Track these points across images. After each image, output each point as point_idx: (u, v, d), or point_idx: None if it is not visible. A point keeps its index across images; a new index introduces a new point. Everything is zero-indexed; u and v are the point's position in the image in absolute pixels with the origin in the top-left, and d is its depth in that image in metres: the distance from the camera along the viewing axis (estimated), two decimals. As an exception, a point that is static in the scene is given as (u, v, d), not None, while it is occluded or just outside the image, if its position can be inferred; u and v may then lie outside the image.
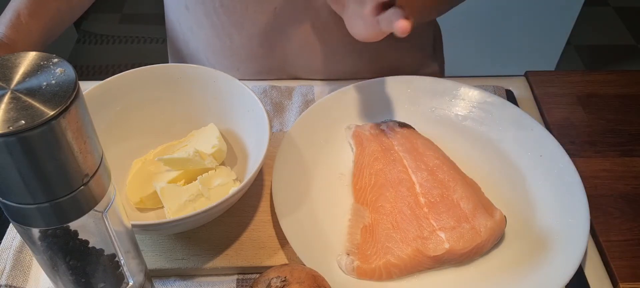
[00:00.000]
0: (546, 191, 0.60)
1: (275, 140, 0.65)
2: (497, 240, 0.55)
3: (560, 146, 0.62)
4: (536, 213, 0.58)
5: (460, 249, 0.52)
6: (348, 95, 0.70)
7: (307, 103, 0.72)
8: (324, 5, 0.71)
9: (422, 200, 0.57)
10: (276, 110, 0.72)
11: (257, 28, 0.74)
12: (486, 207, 0.56)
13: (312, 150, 0.64)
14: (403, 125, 0.66)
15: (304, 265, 0.52)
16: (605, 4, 2.44)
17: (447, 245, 0.53)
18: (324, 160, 0.64)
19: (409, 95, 0.70)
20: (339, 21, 0.74)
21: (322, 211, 0.59)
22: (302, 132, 0.65)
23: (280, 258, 0.55)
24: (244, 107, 0.60)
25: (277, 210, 0.56)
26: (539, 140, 0.64)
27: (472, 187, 0.59)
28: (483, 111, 0.68)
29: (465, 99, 0.70)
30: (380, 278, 0.53)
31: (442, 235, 0.54)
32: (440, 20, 0.89)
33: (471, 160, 0.64)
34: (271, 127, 0.56)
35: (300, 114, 0.71)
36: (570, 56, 2.19)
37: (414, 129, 0.66)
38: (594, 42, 2.27)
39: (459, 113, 0.69)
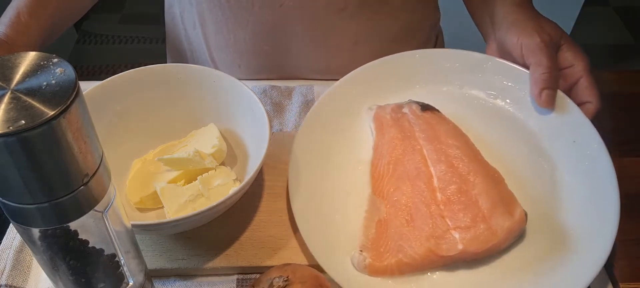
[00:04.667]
0: (575, 182, 0.56)
1: (275, 140, 0.65)
2: (515, 239, 0.53)
3: (597, 133, 0.57)
4: (561, 207, 0.55)
5: (474, 250, 0.51)
6: (368, 74, 0.66)
7: (307, 103, 0.72)
8: (329, 2, 0.72)
9: (438, 196, 0.55)
10: (276, 110, 0.72)
11: (261, 24, 0.74)
12: (506, 203, 0.54)
13: (331, 135, 0.62)
14: (426, 108, 0.63)
15: (307, 262, 0.52)
16: (605, 4, 2.44)
17: (460, 246, 0.51)
18: (344, 145, 0.62)
19: (434, 70, 0.66)
20: (342, 19, 0.74)
21: (339, 202, 0.58)
22: (322, 115, 0.63)
23: (280, 258, 0.55)
24: (244, 107, 0.60)
25: (291, 199, 0.55)
26: (574, 124, 0.59)
27: (493, 180, 0.56)
28: (515, 89, 0.63)
29: (498, 75, 0.64)
30: (392, 275, 0.52)
31: (456, 235, 0.52)
32: (442, 20, 0.89)
33: (497, 144, 0.61)
34: (271, 127, 0.56)
35: (300, 114, 0.71)
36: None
37: (438, 111, 0.63)
38: (594, 42, 2.27)
39: (489, 91, 0.65)
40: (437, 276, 0.53)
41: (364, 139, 0.63)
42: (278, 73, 0.80)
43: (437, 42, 0.89)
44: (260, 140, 0.55)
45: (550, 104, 0.59)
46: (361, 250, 0.53)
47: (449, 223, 0.53)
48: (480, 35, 0.74)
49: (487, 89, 0.65)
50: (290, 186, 0.57)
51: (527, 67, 0.62)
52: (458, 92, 0.66)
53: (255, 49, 0.78)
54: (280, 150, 0.64)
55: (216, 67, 0.82)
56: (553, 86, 0.59)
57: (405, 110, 0.63)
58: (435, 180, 0.56)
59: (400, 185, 0.57)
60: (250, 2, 0.72)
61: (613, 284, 0.55)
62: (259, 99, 0.58)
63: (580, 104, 0.60)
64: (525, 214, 0.53)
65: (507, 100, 0.64)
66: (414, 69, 0.67)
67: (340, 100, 0.65)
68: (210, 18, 0.77)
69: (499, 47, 0.66)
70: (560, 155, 0.59)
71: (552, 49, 0.61)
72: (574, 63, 0.61)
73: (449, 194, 0.55)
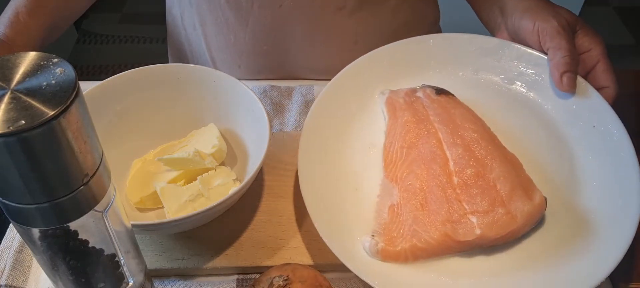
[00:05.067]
0: (595, 167, 0.54)
1: (275, 140, 0.65)
2: (534, 224, 0.51)
3: (617, 118, 0.55)
4: (581, 193, 0.53)
5: (492, 235, 0.49)
6: (381, 57, 0.64)
7: (307, 103, 0.72)
8: (328, 1, 0.72)
9: (455, 179, 0.53)
10: (276, 110, 0.72)
11: (261, 24, 0.75)
12: (525, 188, 0.52)
13: (342, 118, 0.61)
14: (441, 91, 0.61)
15: (307, 262, 0.52)
16: (605, 4, 2.44)
17: (478, 231, 0.49)
18: (356, 129, 0.61)
19: (449, 55, 0.64)
20: (342, 18, 0.74)
21: (350, 186, 0.56)
22: (333, 98, 0.61)
23: (280, 258, 0.55)
24: (244, 107, 0.60)
25: (300, 180, 0.53)
26: (594, 109, 0.57)
27: (512, 164, 0.54)
28: (533, 75, 0.61)
29: (514, 61, 0.63)
30: (405, 261, 0.50)
31: (474, 219, 0.50)
32: (441, 19, 0.89)
33: (514, 130, 0.59)
34: (271, 127, 0.56)
35: (300, 114, 0.71)
36: (570, 56, 2.19)
37: (453, 95, 0.61)
38: (594, 42, 2.27)
39: (506, 76, 0.63)
40: (453, 262, 0.51)
41: (376, 122, 0.61)
42: (278, 73, 0.80)
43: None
44: (260, 140, 0.55)
45: (571, 88, 0.58)
46: (373, 235, 0.51)
47: (466, 207, 0.51)
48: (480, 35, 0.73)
49: (503, 74, 0.63)
50: (300, 168, 0.55)
51: (544, 53, 0.61)
52: (473, 77, 0.64)
53: (255, 49, 0.78)
54: (280, 150, 0.64)
55: (216, 68, 0.82)
56: (574, 69, 0.58)
57: (419, 94, 0.61)
58: (451, 164, 0.54)
59: (415, 168, 0.55)
60: (250, 3, 0.72)
61: (613, 284, 0.55)
62: (259, 99, 0.58)
63: (598, 89, 0.58)
64: (545, 199, 0.51)
65: (524, 86, 0.62)
66: (427, 53, 0.65)
67: (352, 83, 0.63)
68: (210, 19, 0.77)
69: (512, 35, 0.65)
70: (579, 140, 0.57)
71: (570, 33, 0.59)
72: (591, 47, 0.59)
73: (465, 178, 0.52)
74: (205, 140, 0.61)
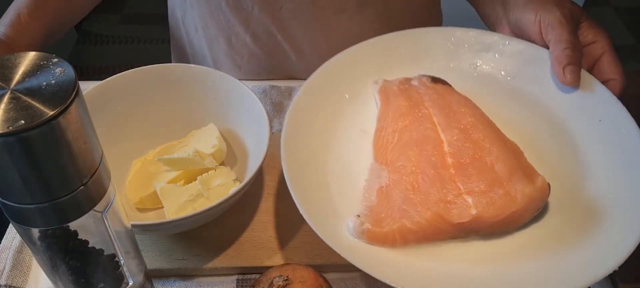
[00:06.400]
0: (602, 160, 0.51)
1: (275, 140, 0.65)
2: (536, 211, 0.47)
3: (626, 110, 0.52)
4: (586, 184, 0.50)
5: (490, 217, 0.45)
6: (377, 47, 0.61)
7: (307, 103, 0.72)
8: (328, 2, 0.72)
9: (449, 160, 0.49)
10: (276, 110, 0.72)
11: (261, 26, 0.75)
12: (526, 172, 0.48)
13: (332, 104, 0.58)
14: (437, 80, 0.58)
15: (307, 262, 0.52)
16: (605, 4, 2.44)
17: (474, 211, 0.45)
18: (346, 115, 0.58)
19: (448, 48, 0.61)
20: (342, 21, 0.74)
21: (337, 170, 0.53)
22: (324, 83, 0.58)
23: (280, 258, 0.55)
24: (244, 107, 0.60)
25: (284, 167, 0.49)
26: (600, 102, 0.54)
27: (512, 150, 0.50)
28: (535, 69, 0.58)
29: (515, 56, 0.60)
30: (394, 244, 0.46)
31: (469, 199, 0.46)
32: (443, 22, 0.89)
33: (515, 123, 0.56)
34: (271, 127, 0.56)
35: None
36: (571, 56, 2.19)
37: (450, 85, 0.58)
38: (594, 42, 2.27)
39: (507, 71, 0.60)
40: (447, 248, 0.47)
41: (368, 110, 0.58)
42: (278, 74, 0.80)
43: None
44: (260, 140, 0.55)
45: (575, 81, 0.55)
46: (358, 216, 0.48)
47: (461, 187, 0.47)
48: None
49: (504, 68, 0.61)
50: (284, 148, 0.51)
51: (546, 46, 0.58)
52: (473, 70, 0.61)
53: (256, 51, 0.78)
54: (280, 150, 0.64)
55: (217, 69, 0.82)
56: (577, 62, 0.55)
57: (415, 82, 0.58)
58: (445, 146, 0.50)
59: (407, 150, 0.51)
60: (251, 5, 0.72)
61: (613, 284, 0.55)
62: (259, 99, 0.58)
63: (604, 82, 0.56)
64: (548, 185, 0.47)
65: (526, 80, 0.59)
66: (424, 44, 0.62)
67: (345, 71, 0.60)
68: (211, 21, 0.77)
69: (513, 28, 0.63)
70: (585, 133, 0.54)
71: (573, 24, 0.57)
72: (597, 39, 0.57)
73: (461, 159, 0.49)
74: (205, 140, 0.61)
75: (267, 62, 0.79)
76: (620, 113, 0.53)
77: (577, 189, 0.50)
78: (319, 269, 0.51)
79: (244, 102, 0.60)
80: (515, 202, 0.46)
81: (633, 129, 0.51)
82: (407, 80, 0.59)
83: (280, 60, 0.79)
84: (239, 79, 0.61)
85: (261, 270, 0.52)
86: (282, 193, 0.61)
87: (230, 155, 0.63)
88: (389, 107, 0.56)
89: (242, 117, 0.61)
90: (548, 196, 0.48)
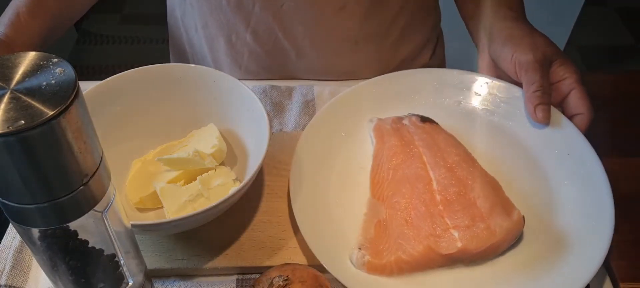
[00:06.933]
0: (570, 192, 0.58)
1: (275, 140, 0.65)
2: (513, 240, 0.54)
3: (590, 146, 0.60)
4: (557, 215, 0.57)
5: (473, 249, 0.52)
6: (371, 88, 0.69)
7: (307, 103, 0.72)
8: (329, 2, 0.72)
9: (438, 197, 0.56)
10: (276, 110, 0.72)
11: (262, 25, 0.75)
12: (504, 206, 0.55)
13: (333, 143, 0.64)
14: (426, 119, 0.65)
15: (307, 262, 0.52)
16: (605, 4, 2.44)
17: (459, 244, 0.52)
18: (345, 152, 0.64)
19: (434, 88, 0.69)
20: (342, 19, 0.74)
21: (338, 203, 0.59)
22: (324, 124, 0.65)
23: (280, 258, 0.55)
24: (244, 107, 0.60)
25: (292, 198, 0.56)
26: (568, 138, 0.62)
27: (491, 185, 0.58)
28: (511, 106, 0.66)
29: (493, 94, 0.68)
30: (391, 274, 0.53)
31: (456, 233, 0.53)
32: (442, 21, 0.89)
33: (494, 157, 0.63)
34: (271, 127, 0.56)
35: (300, 114, 0.71)
36: (571, 56, 2.16)
37: (437, 124, 0.65)
38: (594, 42, 2.27)
39: (486, 108, 0.68)
40: (437, 276, 0.53)
41: (365, 147, 0.65)
42: (279, 74, 0.80)
43: (437, 42, 0.89)
44: (260, 140, 0.55)
45: (545, 119, 0.62)
46: (360, 248, 0.54)
47: (449, 222, 0.54)
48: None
49: (484, 105, 0.68)
50: (292, 186, 0.57)
51: (520, 84, 0.65)
52: (456, 108, 0.68)
53: (256, 50, 0.78)
54: (280, 150, 0.64)
55: (217, 69, 0.82)
56: (546, 102, 0.62)
57: (405, 121, 0.65)
58: (434, 183, 0.57)
59: (400, 188, 0.58)
60: (252, 4, 0.72)
61: (613, 284, 0.55)
62: (259, 99, 0.58)
63: (573, 116, 0.63)
64: (523, 217, 0.54)
65: (503, 116, 0.67)
66: (414, 85, 0.70)
67: (342, 111, 0.67)
68: (211, 20, 0.77)
69: (493, 58, 0.68)
70: (555, 167, 0.61)
71: (546, 66, 0.63)
72: (566, 76, 0.63)
73: (448, 196, 0.56)
74: (205, 140, 0.61)
75: (267, 61, 0.79)
76: (585, 147, 0.60)
77: (548, 219, 0.57)
78: (319, 269, 0.51)
79: (244, 102, 0.60)
80: (494, 234, 0.52)
81: (596, 162, 0.59)
82: (399, 120, 0.66)
83: (281, 59, 0.79)
84: (239, 79, 0.61)
85: (261, 270, 0.52)
86: (282, 194, 0.61)
87: (230, 155, 0.63)
88: (383, 146, 0.63)
89: (242, 117, 0.61)
90: (523, 227, 0.54)
